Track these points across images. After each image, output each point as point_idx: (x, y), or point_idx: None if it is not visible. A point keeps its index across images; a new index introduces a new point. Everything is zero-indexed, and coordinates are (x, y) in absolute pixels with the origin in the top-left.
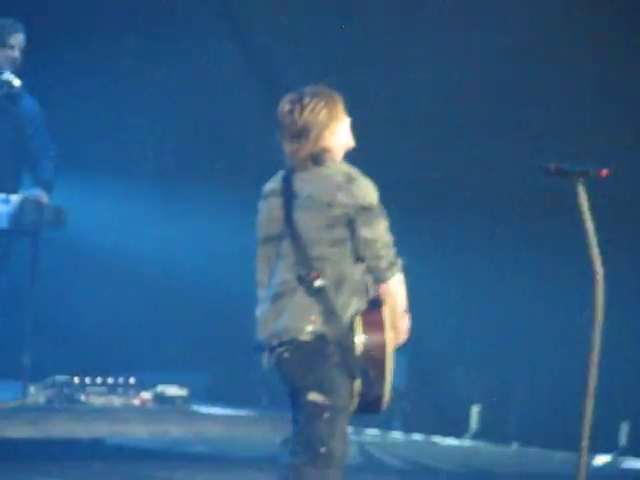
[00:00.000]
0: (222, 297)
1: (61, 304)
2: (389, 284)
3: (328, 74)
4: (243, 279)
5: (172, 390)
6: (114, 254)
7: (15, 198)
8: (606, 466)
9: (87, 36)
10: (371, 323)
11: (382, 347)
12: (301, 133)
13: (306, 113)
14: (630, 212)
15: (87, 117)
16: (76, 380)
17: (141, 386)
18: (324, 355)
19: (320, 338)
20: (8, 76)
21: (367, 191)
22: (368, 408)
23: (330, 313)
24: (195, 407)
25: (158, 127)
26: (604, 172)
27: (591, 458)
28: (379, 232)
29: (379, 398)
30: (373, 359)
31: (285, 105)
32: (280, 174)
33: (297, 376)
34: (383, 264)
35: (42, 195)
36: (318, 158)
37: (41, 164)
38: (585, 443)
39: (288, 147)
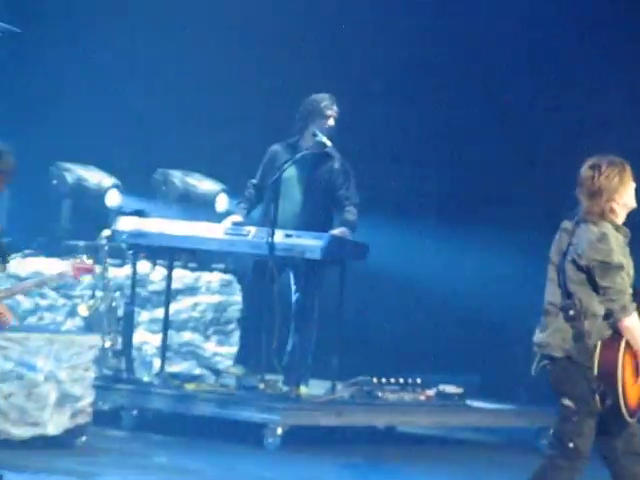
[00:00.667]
0: (490, 313)
1: (363, 320)
2: (623, 322)
3: None
4: (509, 299)
5: (450, 388)
6: (406, 280)
7: (325, 235)
8: None
9: None
10: (609, 348)
11: (614, 367)
12: (596, 193)
13: (602, 178)
14: None
15: (379, 169)
16: (375, 380)
17: (426, 385)
18: (572, 370)
19: (568, 356)
20: (321, 138)
21: (610, 249)
22: (614, 413)
23: (578, 337)
24: (468, 402)
25: (441, 175)
26: None
27: None
28: (613, 282)
29: (617, 406)
30: (607, 375)
31: (587, 169)
32: (575, 217)
33: (554, 384)
34: (616, 307)
35: (346, 232)
36: (604, 214)
37: (347, 209)
38: None
39: (585, 202)
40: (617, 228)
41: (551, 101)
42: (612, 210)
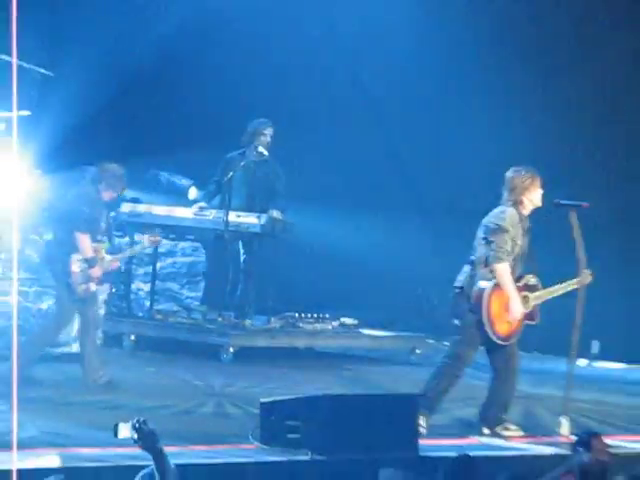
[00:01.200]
0: (379, 269)
1: (292, 275)
2: (494, 267)
3: None
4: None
5: (349, 320)
6: (325, 249)
7: (264, 215)
8: (584, 366)
9: None
10: (484, 286)
11: (481, 298)
12: (513, 189)
13: (519, 179)
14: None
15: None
16: (297, 315)
17: (332, 318)
18: (462, 298)
19: (462, 287)
20: (262, 150)
21: (504, 218)
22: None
23: (471, 277)
24: (362, 330)
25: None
26: (585, 205)
27: (576, 361)
28: (498, 239)
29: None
30: (477, 304)
31: (510, 172)
32: None
33: (451, 308)
34: (493, 254)
35: (279, 214)
36: (515, 204)
37: (280, 198)
38: (573, 352)
39: (504, 194)
40: (520, 215)
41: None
42: (521, 202)
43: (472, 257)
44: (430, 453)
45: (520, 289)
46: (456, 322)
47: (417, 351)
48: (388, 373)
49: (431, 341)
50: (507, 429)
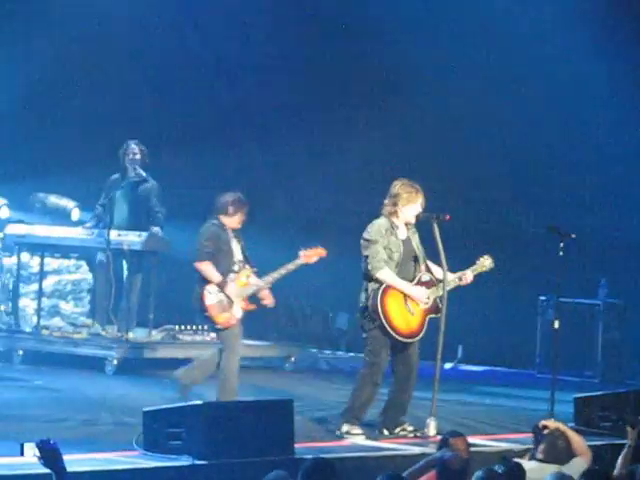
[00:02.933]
0: None
1: (170, 288)
2: (378, 276)
3: None
4: None
5: None
6: None
7: (145, 233)
8: (450, 369)
9: None
10: (375, 294)
11: (376, 305)
12: (392, 197)
13: (400, 189)
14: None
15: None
16: (177, 327)
17: (210, 330)
18: (365, 313)
19: (364, 303)
20: (139, 170)
21: (371, 231)
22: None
23: (364, 290)
24: None
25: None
26: (447, 217)
27: (442, 364)
28: (369, 251)
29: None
30: (374, 310)
31: (393, 184)
32: None
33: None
34: (370, 267)
35: (159, 231)
36: (389, 213)
37: (158, 215)
38: (439, 356)
39: (385, 201)
40: (391, 224)
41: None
42: (395, 212)
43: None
44: (306, 456)
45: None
46: (364, 335)
47: (292, 359)
48: (264, 380)
49: (304, 349)
50: (405, 430)
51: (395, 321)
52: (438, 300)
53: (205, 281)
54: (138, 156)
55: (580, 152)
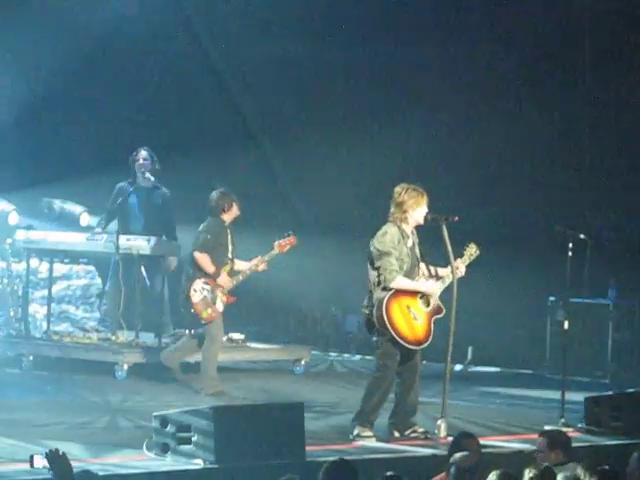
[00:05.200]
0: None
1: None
2: (392, 285)
3: None
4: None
5: (236, 335)
6: None
7: (154, 238)
8: (460, 370)
9: None
10: (381, 304)
11: (381, 312)
12: (399, 204)
13: (406, 195)
14: None
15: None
16: (186, 332)
17: None
18: (371, 319)
19: (370, 311)
20: (149, 176)
21: (384, 241)
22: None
23: (370, 299)
24: (249, 344)
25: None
26: (456, 218)
27: (452, 366)
28: (382, 262)
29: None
30: (380, 318)
31: (397, 188)
32: None
33: (366, 329)
34: (383, 278)
35: (170, 237)
36: (399, 219)
37: (170, 224)
38: (449, 358)
39: (391, 209)
40: (401, 233)
41: None
42: (405, 219)
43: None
44: (317, 459)
45: (418, 293)
46: (374, 338)
47: (302, 362)
48: (275, 383)
49: (314, 352)
50: (416, 431)
51: (403, 331)
52: (438, 301)
53: (195, 274)
54: (148, 162)
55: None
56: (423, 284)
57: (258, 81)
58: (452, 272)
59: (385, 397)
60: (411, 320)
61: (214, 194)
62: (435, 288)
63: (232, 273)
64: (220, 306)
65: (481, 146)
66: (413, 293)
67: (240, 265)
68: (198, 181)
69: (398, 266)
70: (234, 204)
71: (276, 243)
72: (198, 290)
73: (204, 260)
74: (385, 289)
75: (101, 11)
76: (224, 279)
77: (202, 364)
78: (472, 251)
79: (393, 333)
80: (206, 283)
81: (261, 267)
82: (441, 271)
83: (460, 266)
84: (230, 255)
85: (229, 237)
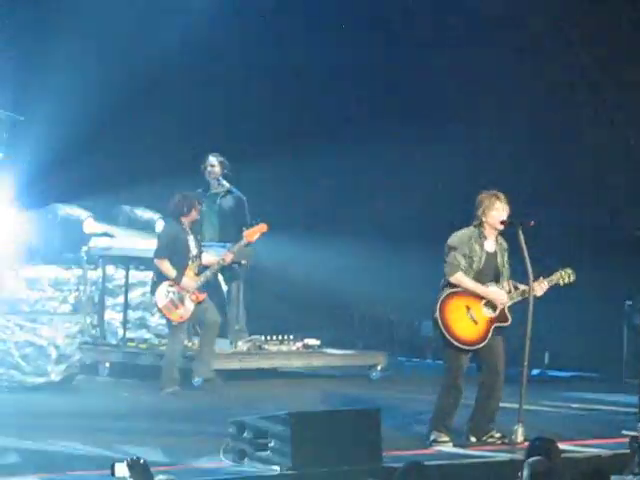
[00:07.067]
0: (340, 295)
1: (258, 299)
2: (451, 278)
3: None
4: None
5: (312, 341)
6: (286, 274)
7: (228, 245)
8: (537, 375)
9: None
10: (437, 301)
11: (435, 311)
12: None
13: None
14: None
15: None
16: (262, 338)
17: (296, 339)
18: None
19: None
20: (224, 182)
21: (452, 237)
22: None
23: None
24: (325, 349)
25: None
26: (532, 223)
27: (529, 371)
28: (448, 257)
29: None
30: (434, 318)
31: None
32: None
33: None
34: (446, 270)
35: (244, 243)
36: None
37: (244, 227)
38: (526, 362)
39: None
40: (478, 233)
41: None
42: (481, 222)
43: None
44: (394, 464)
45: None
46: (441, 342)
47: (378, 367)
48: (351, 389)
49: (390, 357)
50: (493, 437)
51: (454, 328)
52: (507, 309)
53: (159, 279)
54: (217, 168)
55: None
56: (485, 288)
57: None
58: (528, 277)
59: (457, 401)
60: (466, 320)
61: (176, 196)
62: (500, 296)
63: (200, 270)
64: (190, 306)
65: (554, 148)
66: (478, 296)
67: (208, 259)
68: (275, 186)
69: (466, 263)
70: (194, 208)
71: (245, 232)
72: (163, 294)
73: (164, 265)
74: (447, 286)
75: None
76: (186, 282)
77: (164, 363)
78: (565, 276)
79: (443, 328)
80: (171, 285)
81: (228, 259)
82: (520, 287)
83: (544, 282)
84: (194, 253)
85: (189, 238)
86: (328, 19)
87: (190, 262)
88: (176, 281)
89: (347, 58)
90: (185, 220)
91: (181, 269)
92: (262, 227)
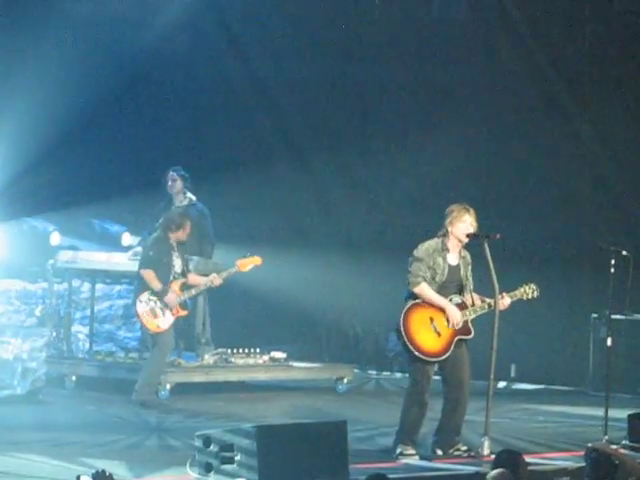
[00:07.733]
0: (306, 309)
1: (228, 314)
2: (414, 290)
3: None
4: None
5: (279, 354)
6: (258, 288)
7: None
8: (503, 388)
9: None
10: (401, 312)
11: (399, 323)
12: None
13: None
14: None
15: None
16: (229, 351)
17: (262, 352)
18: None
19: None
20: (190, 195)
21: (417, 248)
22: None
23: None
24: (291, 363)
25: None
26: (497, 236)
27: (495, 383)
28: (412, 267)
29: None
30: (397, 329)
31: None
32: None
33: None
34: (409, 281)
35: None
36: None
37: (208, 240)
38: (492, 375)
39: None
40: (442, 245)
41: None
42: (446, 234)
43: None
44: (360, 477)
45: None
46: (407, 355)
47: (344, 380)
48: (317, 402)
49: (356, 371)
50: (459, 450)
51: (417, 340)
52: (469, 322)
53: (140, 289)
54: (178, 182)
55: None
56: (445, 303)
57: (306, 99)
58: (494, 289)
59: (422, 413)
60: (430, 331)
61: (171, 213)
62: (456, 316)
63: (184, 287)
64: (169, 318)
65: (521, 162)
66: (440, 307)
67: (195, 280)
68: (242, 200)
69: (430, 275)
70: (183, 229)
71: (238, 261)
72: (144, 301)
73: (149, 276)
74: (410, 297)
75: (146, 33)
76: (169, 297)
77: (143, 369)
78: (529, 291)
79: (405, 339)
80: (152, 294)
81: (217, 282)
82: (486, 300)
83: (506, 298)
84: (177, 271)
85: (174, 255)
86: (291, 32)
87: (172, 278)
88: (159, 295)
89: (312, 72)
90: (172, 237)
91: (164, 283)
92: (256, 260)
